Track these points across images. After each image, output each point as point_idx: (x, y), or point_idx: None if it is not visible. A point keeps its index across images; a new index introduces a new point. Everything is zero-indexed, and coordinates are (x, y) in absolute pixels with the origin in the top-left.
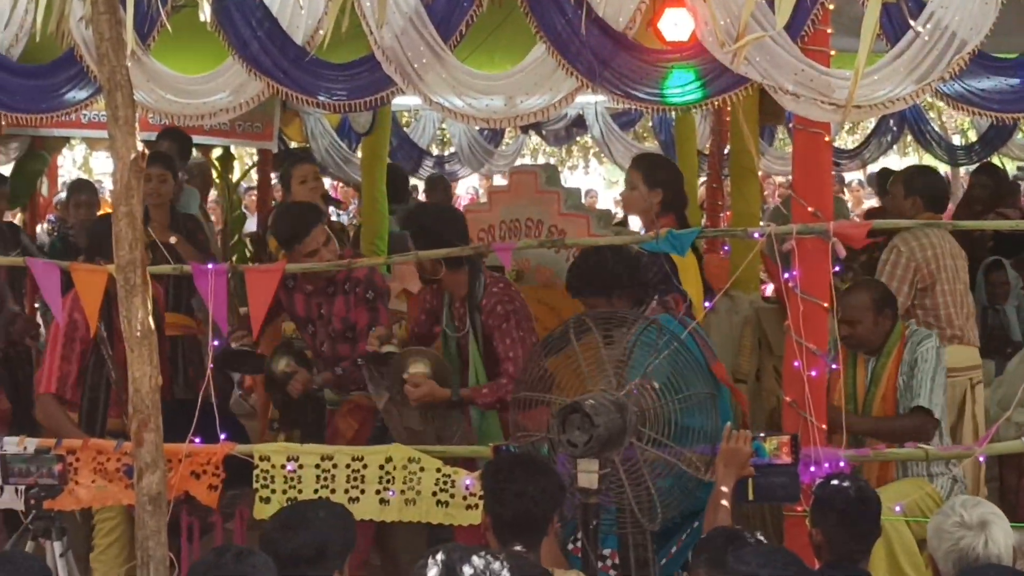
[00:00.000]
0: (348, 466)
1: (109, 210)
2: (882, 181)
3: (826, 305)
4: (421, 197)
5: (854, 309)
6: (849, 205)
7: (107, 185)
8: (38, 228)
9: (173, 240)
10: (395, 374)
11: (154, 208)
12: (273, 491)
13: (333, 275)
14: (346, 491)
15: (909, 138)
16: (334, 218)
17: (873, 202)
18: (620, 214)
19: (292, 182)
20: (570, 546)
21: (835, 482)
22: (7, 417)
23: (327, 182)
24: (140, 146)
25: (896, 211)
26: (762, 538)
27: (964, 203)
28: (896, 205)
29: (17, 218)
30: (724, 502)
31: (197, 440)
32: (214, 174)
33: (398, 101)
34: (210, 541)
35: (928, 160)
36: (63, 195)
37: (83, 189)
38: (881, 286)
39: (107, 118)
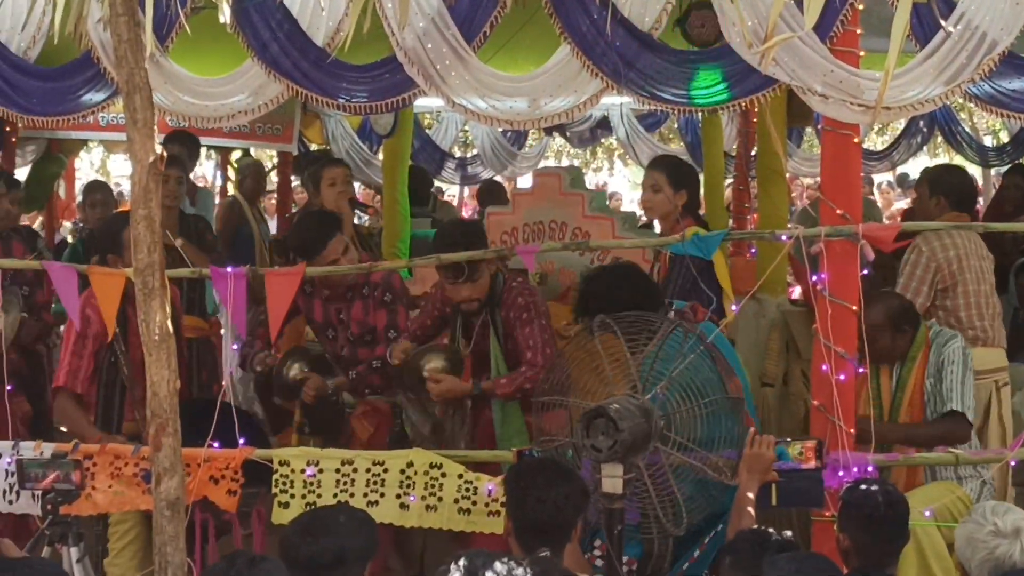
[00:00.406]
0: (368, 470)
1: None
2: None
3: (855, 308)
4: (447, 199)
5: (870, 328)
6: (880, 206)
7: (125, 188)
8: (61, 229)
9: (178, 243)
10: (411, 373)
11: (164, 210)
12: (292, 496)
13: (352, 280)
14: (365, 495)
15: (939, 139)
16: (357, 221)
17: (904, 203)
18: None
19: (322, 184)
20: (586, 555)
21: (863, 487)
22: (28, 421)
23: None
24: (159, 148)
25: (921, 211)
26: (790, 535)
27: (995, 204)
28: (921, 205)
29: (37, 222)
30: (749, 508)
31: (215, 444)
32: (232, 176)
33: (420, 103)
34: (228, 542)
35: (959, 161)
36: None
37: (97, 189)
38: (896, 299)
39: (125, 121)
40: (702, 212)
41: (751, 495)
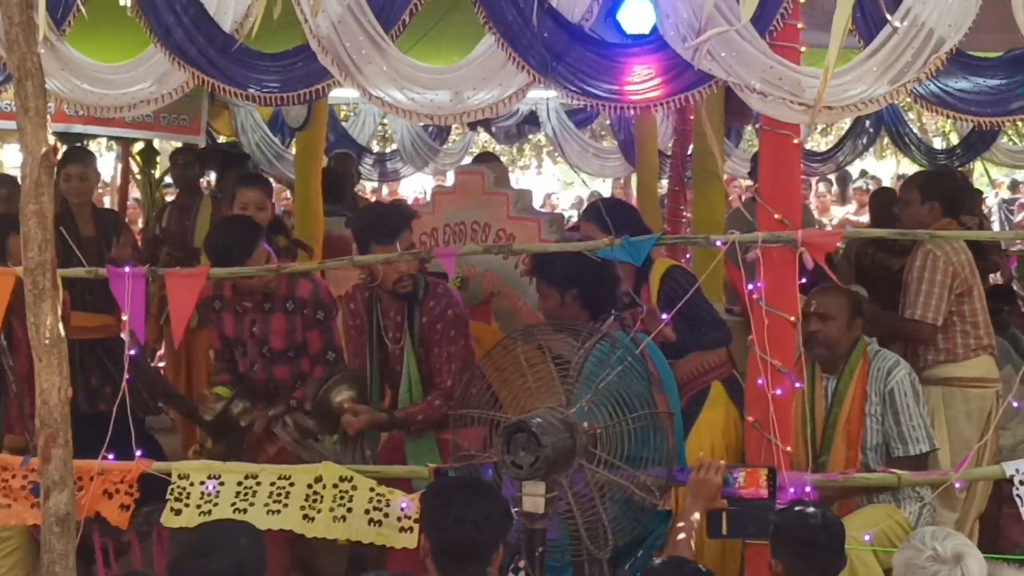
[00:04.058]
0: (272, 484)
1: None
2: (882, 199)
3: (793, 319)
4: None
5: (830, 304)
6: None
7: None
8: None
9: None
10: (322, 409)
11: (76, 206)
12: (187, 504)
13: (272, 290)
14: (266, 504)
15: (886, 140)
16: None
17: (847, 209)
18: (574, 218)
19: (234, 206)
20: None
21: (797, 508)
22: None
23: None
24: (52, 139)
25: (912, 219)
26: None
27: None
28: (912, 213)
29: None
30: (685, 535)
31: (110, 456)
32: (135, 170)
33: (335, 94)
34: (127, 563)
35: (907, 165)
36: None
37: (3, 183)
38: (855, 296)
39: (16, 109)
40: None
41: (693, 521)
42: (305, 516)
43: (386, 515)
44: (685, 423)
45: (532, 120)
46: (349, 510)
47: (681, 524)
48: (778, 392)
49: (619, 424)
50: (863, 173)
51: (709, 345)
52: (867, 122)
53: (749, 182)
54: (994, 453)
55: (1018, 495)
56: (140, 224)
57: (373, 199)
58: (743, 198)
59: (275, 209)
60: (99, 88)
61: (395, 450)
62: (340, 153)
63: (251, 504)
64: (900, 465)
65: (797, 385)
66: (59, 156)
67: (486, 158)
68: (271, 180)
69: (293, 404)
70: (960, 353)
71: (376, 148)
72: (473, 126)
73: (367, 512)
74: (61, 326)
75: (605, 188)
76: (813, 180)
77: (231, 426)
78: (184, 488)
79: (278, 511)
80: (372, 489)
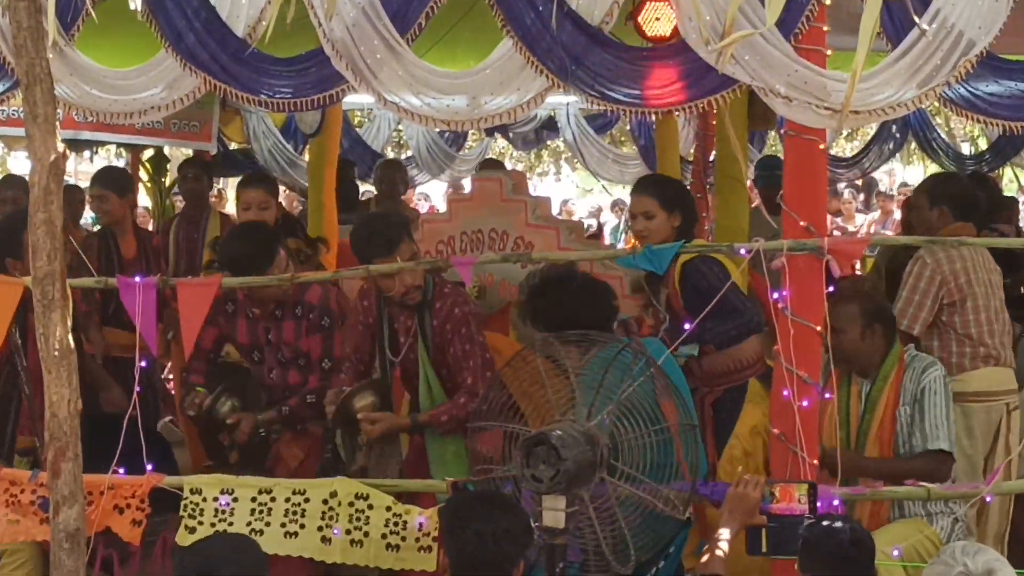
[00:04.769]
0: (288, 500)
1: None
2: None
3: (819, 328)
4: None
5: (840, 317)
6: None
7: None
8: None
9: None
10: (343, 417)
11: (112, 225)
12: (200, 522)
13: (282, 296)
14: (283, 525)
15: (913, 146)
16: None
17: (872, 216)
18: (594, 226)
19: (237, 207)
20: None
21: (826, 523)
22: None
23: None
24: (61, 146)
25: (922, 224)
26: None
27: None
28: (921, 218)
29: None
30: (720, 550)
31: (120, 471)
32: (145, 178)
33: (350, 99)
34: (130, 571)
35: (934, 171)
36: None
37: (10, 185)
38: (876, 300)
39: (24, 116)
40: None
41: (727, 537)
42: (323, 538)
43: (403, 538)
44: (722, 420)
45: (551, 126)
46: (366, 534)
47: (716, 540)
48: (804, 404)
49: (641, 436)
50: (903, 185)
51: (743, 335)
52: (894, 127)
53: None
54: (1016, 467)
55: None
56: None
57: (425, 208)
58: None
59: (281, 209)
60: (109, 94)
61: (419, 458)
62: (387, 161)
63: (267, 524)
64: (919, 459)
65: (827, 396)
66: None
67: (492, 165)
68: (275, 179)
69: (285, 411)
70: (955, 365)
71: (391, 154)
72: (490, 132)
73: (384, 536)
74: (71, 337)
75: (625, 195)
76: (840, 186)
77: (216, 426)
78: (197, 504)
79: (296, 533)
80: (389, 508)
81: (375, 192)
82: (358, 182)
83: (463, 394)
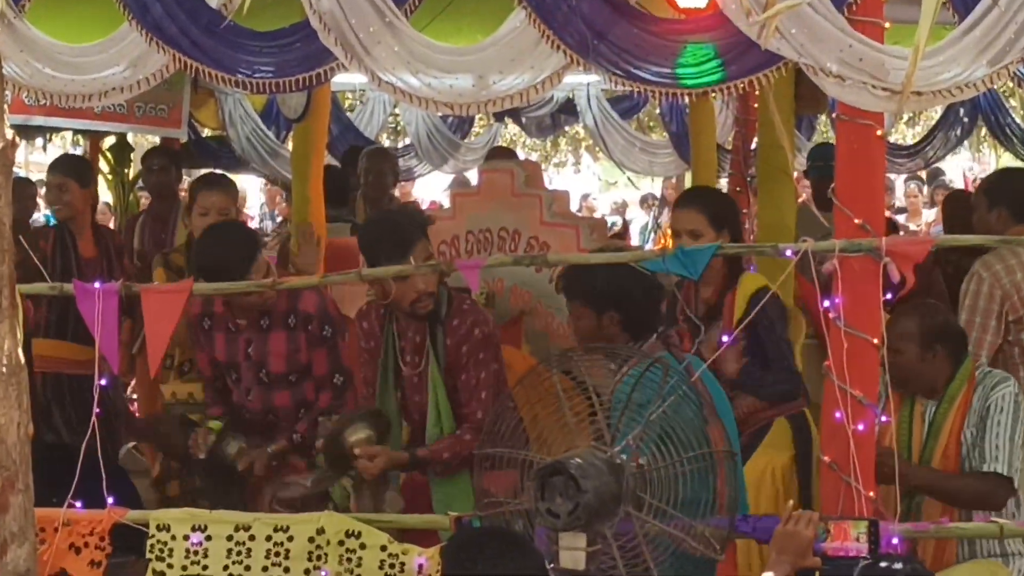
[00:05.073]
0: (269, 538)
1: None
2: (955, 205)
3: (876, 341)
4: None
5: (896, 335)
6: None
7: None
8: None
9: None
10: (334, 449)
11: (70, 221)
12: (170, 566)
13: (270, 304)
14: (264, 568)
15: (983, 132)
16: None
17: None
18: (619, 225)
19: (193, 211)
20: None
21: (884, 564)
22: None
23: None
24: (10, 133)
25: (982, 228)
26: None
27: None
28: (981, 220)
29: None
30: None
31: (77, 504)
32: (106, 169)
33: (339, 80)
34: None
35: (1007, 160)
36: None
37: None
38: (940, 317)
39: None
40: None
41: None
42: None
43: None
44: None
45: (569, 109)
46: None
47: None
48: (859, 427)
49: (673, 465)
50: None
51: (771, 396)
52: (961, 110)
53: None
54: None
55: None
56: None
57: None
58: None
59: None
60: (64, 73)
61: (418, 493)
62: (375, 150)
63: (247, 568)
64: (975, 477)
65: (883, 419)
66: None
67: (502, 154)
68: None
69: (297, 439)
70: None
71: (386, 142)
72: (500, 117)
73: None
74: (21, 352)
75: (655, 188)
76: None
77: (225, 470)
78: (165, 543)
79: None
80: (384, 548)
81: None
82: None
83: (468, 430)
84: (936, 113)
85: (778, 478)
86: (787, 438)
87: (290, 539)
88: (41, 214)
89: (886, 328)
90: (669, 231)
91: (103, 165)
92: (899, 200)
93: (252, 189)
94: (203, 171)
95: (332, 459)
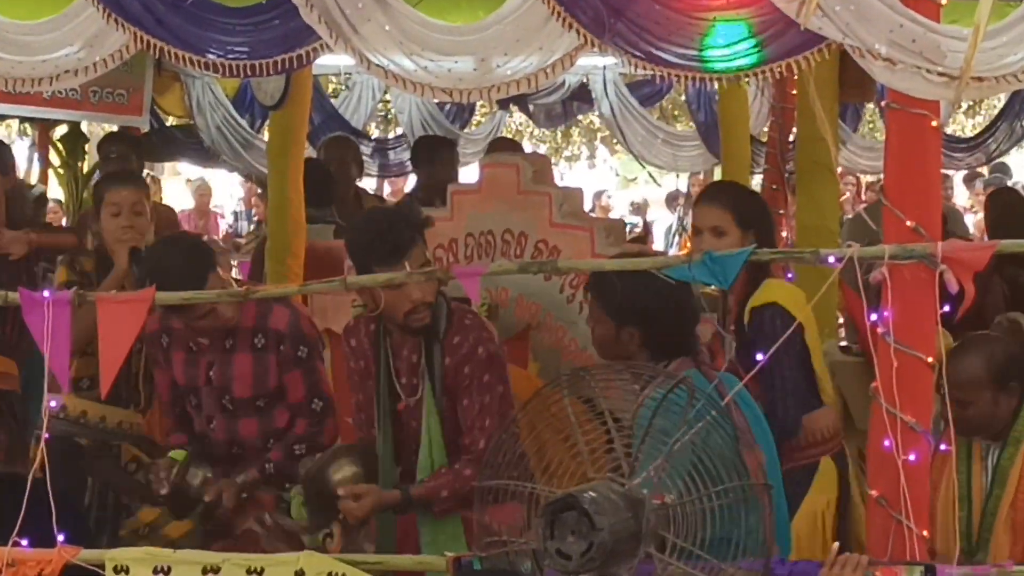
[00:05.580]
0: None
1: None
2: (1003, 202)
3: (930, 360)
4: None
5: (964, 387)
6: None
7: None
8: None
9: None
10: (317, 488)
11: None
12: None
13: (235, 322)
14: None
15: None
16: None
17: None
18: (639, 227)
19: (102, 211)
20: None
21: None
22: None
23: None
24: None
25: None
26: None
27: None
28: None
29: None
30: None
31: (24, 542)
32: (57, 162)
33: (322, 62)
34: None
35: None
36: None
37: None
38: (1001, 346)
39: None
40: None
41: None
42: None
43: None
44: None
45: (582, 96)
46: None
47: None
48: (911, 458)
49: (700, 499)
50: None
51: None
52: None
53: (871, 178)
54: None
55: None
56: None
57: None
58: (860, 200)
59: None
60: (10, 54)
61: (405, 535)
62: (335, 138)
63: None
64: None
65: (943, 447)
66: None
67: (507, 147)
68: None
69: (269, 469)
70: None
71: (375, 133)
72: (504, 104)
73: None
74: None
75: (679, 185)
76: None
77: (190, 503)
78: None
79: None
80: None
81: None
82: None
83: (468, 463)
84: (999, 101)
85: (823, 522)
86: (834, 478)
87: None
88: None
89: (947, 369)
90: None
91: (54, 157)
92: (959, 201)
93: (221, 185)
94: (166, 164)
95: (315, 503)
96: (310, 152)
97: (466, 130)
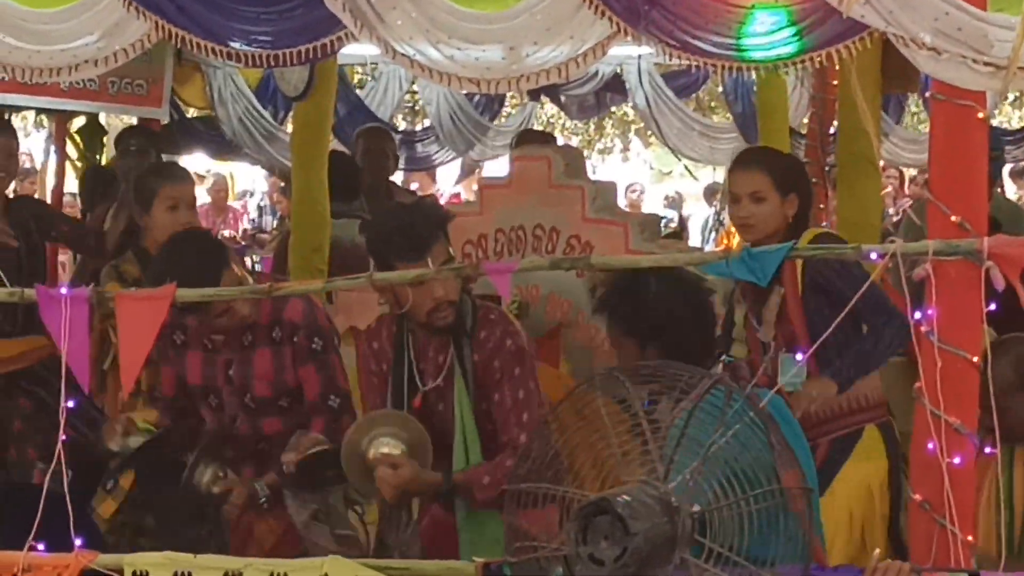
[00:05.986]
0: None
1: None
2: None
3: (976, 360)
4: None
5: (996, 395)
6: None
7: None
8: None
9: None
10: (351, 458)
11: None
12: None
13: (253, 319)
14: None
15: None
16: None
17: None
18: (675, 222)
19: (155, 205)
20: None
21: None
22: None
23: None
24: None
25: None
26: None
27: None
28: None
29: None
30: None
31: (40, 547)
32: (75, 155)
33: (348, 51)
34: None
35: None
36: None
37: None
38: None
39: None
40: None
41: None
42: None
43: None
44: (822, 477)
45: (616, 87)
46: None
47: None
48: (956, 460)
49: (737, 504)
50: None
51: (893, 350)
52: None
53: (915, 172)
54: None
55: None
56: None
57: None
58: (903, 194)
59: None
60: (27, 43)
61: (441, 533)
62: (374, 128)
63: None
64: None
65: (987, 450)
66: None
67: (538, 139)
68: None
69: (290, 471)
70: None
71: (402, 125)
72: (535, 95)
73: None
74: None
75: (717, 178)
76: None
77: (193, 505)
78: None
79: None
80: None
81: None
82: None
83: (511, 454)
84: None
85: (876, 496)
86: (881, 448)
87: None
88: None
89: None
90: (734, 229)
91: (71, 150)
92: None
93: (243, 178)
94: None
95: (348, 466)
96: (335, 145)
97: (496, 122)
